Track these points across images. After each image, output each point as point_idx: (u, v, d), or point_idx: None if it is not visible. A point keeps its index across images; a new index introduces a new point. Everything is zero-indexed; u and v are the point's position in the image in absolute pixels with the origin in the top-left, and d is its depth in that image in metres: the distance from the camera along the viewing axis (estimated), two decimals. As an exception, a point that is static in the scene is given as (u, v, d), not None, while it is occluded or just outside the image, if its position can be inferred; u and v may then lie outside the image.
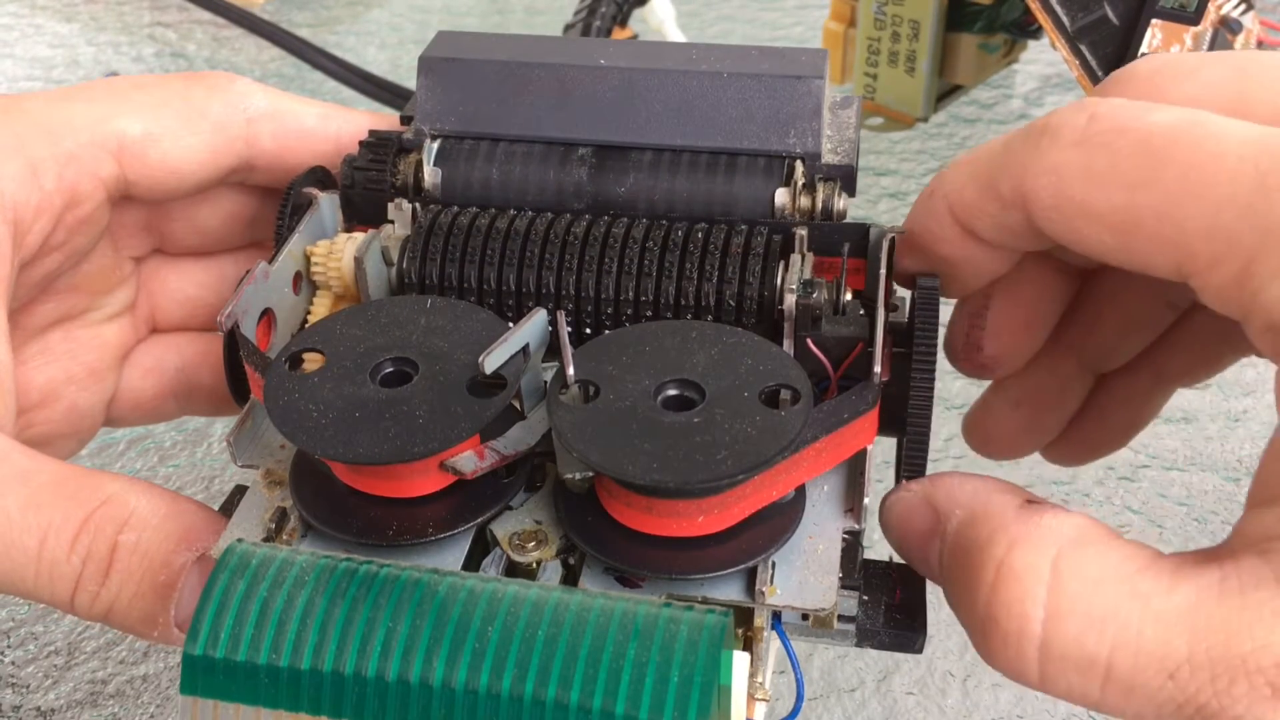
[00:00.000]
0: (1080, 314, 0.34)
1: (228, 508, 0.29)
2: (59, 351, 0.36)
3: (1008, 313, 0.33)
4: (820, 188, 0.32)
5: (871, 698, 0.41)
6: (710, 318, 0.30)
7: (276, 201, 0.35)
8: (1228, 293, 0.25)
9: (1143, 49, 0.53)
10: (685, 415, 0.26)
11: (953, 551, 0.26)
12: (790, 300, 0.29)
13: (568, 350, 0.27)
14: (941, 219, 0.30)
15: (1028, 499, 0.26)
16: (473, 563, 0.27)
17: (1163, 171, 0.25)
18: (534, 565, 0.27)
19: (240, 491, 0.29)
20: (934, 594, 0.37)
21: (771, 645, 0.29)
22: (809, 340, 0.29)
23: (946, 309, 0.32)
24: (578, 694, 0.22)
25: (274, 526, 0.28)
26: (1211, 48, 0.56)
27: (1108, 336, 0.34)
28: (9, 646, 0.43)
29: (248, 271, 0.31)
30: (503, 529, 0.28)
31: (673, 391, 0.27)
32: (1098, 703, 0.24)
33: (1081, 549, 0.25)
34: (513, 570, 0.28)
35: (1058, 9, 0.52)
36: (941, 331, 0.30)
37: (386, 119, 0.36)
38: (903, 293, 0.32)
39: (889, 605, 0.30)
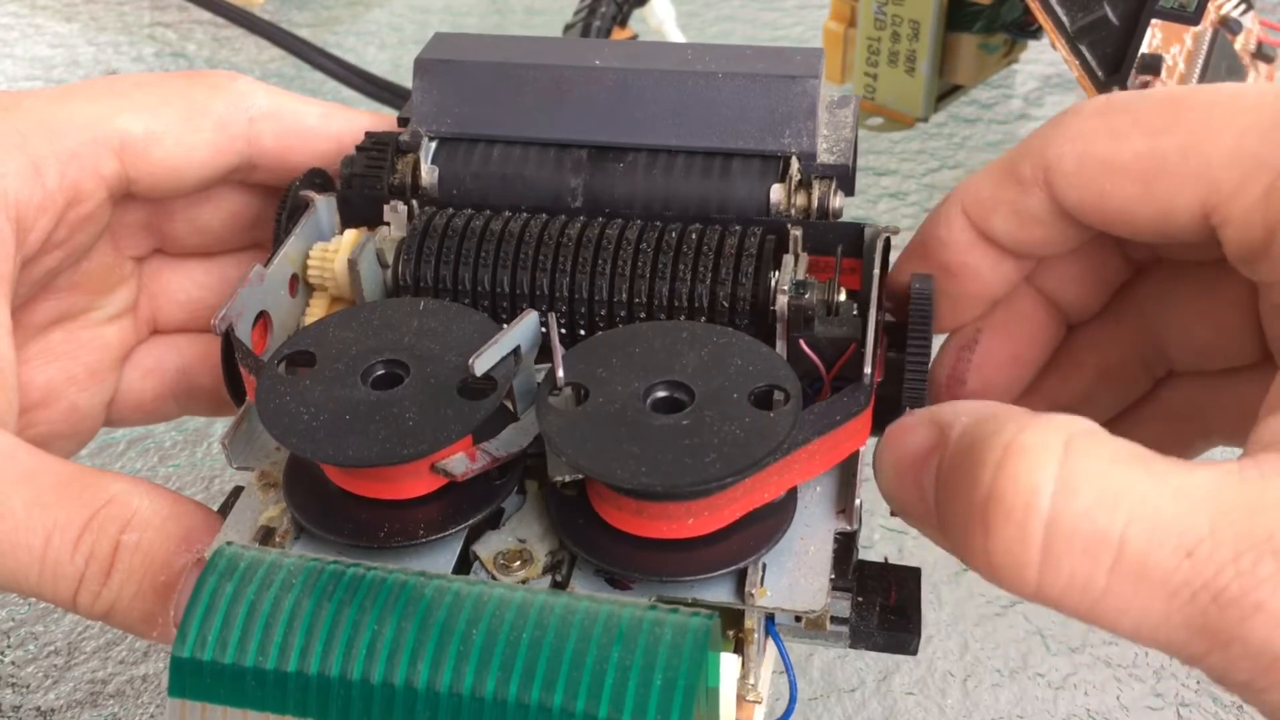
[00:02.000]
0: (1060, 365, 0.34)
1: (226, 509, 0.29)
2: (60, 351, 0.37)
3: (997, 345, 0.33)
4: (816, 185, 0.32)
5: (871, 698, 0.41)
6: (704, 319, 0.30)
7: (278, 202, 0.35)
8: (1253, 216, 0.25)
9: (1143, 49, 0.53)
10: (674, 417, 0.26)
11: (955, 452, 0.25)
12: (782, 301, 0.29)
13: (558, 353, 0.27)
14: (954, 222, 0.30)
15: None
16: (463, 565, 0.27)
17: (1185, 115, 0.26)
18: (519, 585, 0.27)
19: (238, 493, 0.30)
20: (930, 595, 0.37)
21: (766, 647, 0.29)
22: (801, 341, 0.29)
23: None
24: (561, 697, 0.22)
25: (262, 537, 0.28)
26: (1211, 48, 0.56)
27: (1083, 389, 0.34)
28: (9, 646, 0.43)
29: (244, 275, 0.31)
30: (486, 549, 0.28)
31: (662, 393, 0.27)
32: (1101, 595, 0.22)
33: (1095, 434, 0.23)
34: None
35: (1058, 9, 0.52)
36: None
37: (387, 119, 0.36)
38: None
39: (883, 607, 0.30)
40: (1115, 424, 0.34)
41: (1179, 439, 0.33)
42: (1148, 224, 0.27)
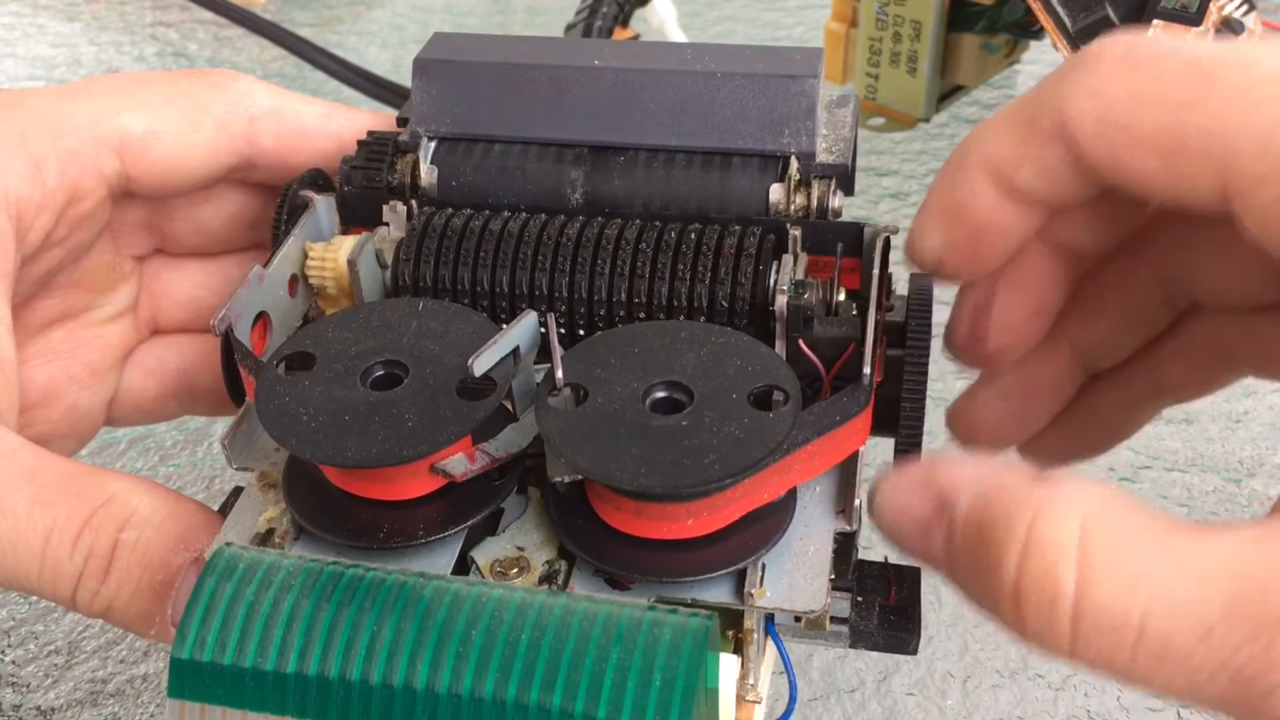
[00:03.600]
0: (1080, 305, 0.33)
1: (226, 509, 0.29)
2: (61, 350, 0.37)
3: (1015, 303, 0.32)
4: (815, 185, 0.32)
5: (871, 698, 0.41)
6: (703, 319, 0.30)
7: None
8: (1272, 213, 0.25)
9: (1144, 49, 0.52)
10: (673, 418, 0.26)
11: (966, 533, 0.25)
12: (782, 300, 0.29)
13: (557, 353, 0.27)
14: (977, 180, 0.29)
15: (1036, 473, 0.25)
16: (462, 566, 0.27)
17: (1212, 90, 0.25)
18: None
19: (238, 493, 0.30)
20: (930, 595, 0.36)
21: (766, 647, 0.29)
22: (801, 341, 0.29)
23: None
24: (560, 697, 0.22)
25: (261, 537, 0.28)
26: (1213, 48, 0.56)
27: (1106, 329, 0.34)
28: (9, 646, 0.43)
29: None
30: (484, 556, 0.28)
31: (661, 394, 0.27)
32: (1129, 670, 0.23)
33: (1108, 512, 0.24)
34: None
35: (1059, 10, 0.52)
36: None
37: (388, 119, 0.36)
38: (901, 290, 0.32)
39: (883, 606, 0.30)
40: (1140, 360, 0.34)
41: (1205, 373, 0.33)
42: (1165, 193, 0.27)
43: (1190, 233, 0.31)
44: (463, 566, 0.28)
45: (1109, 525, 0.24)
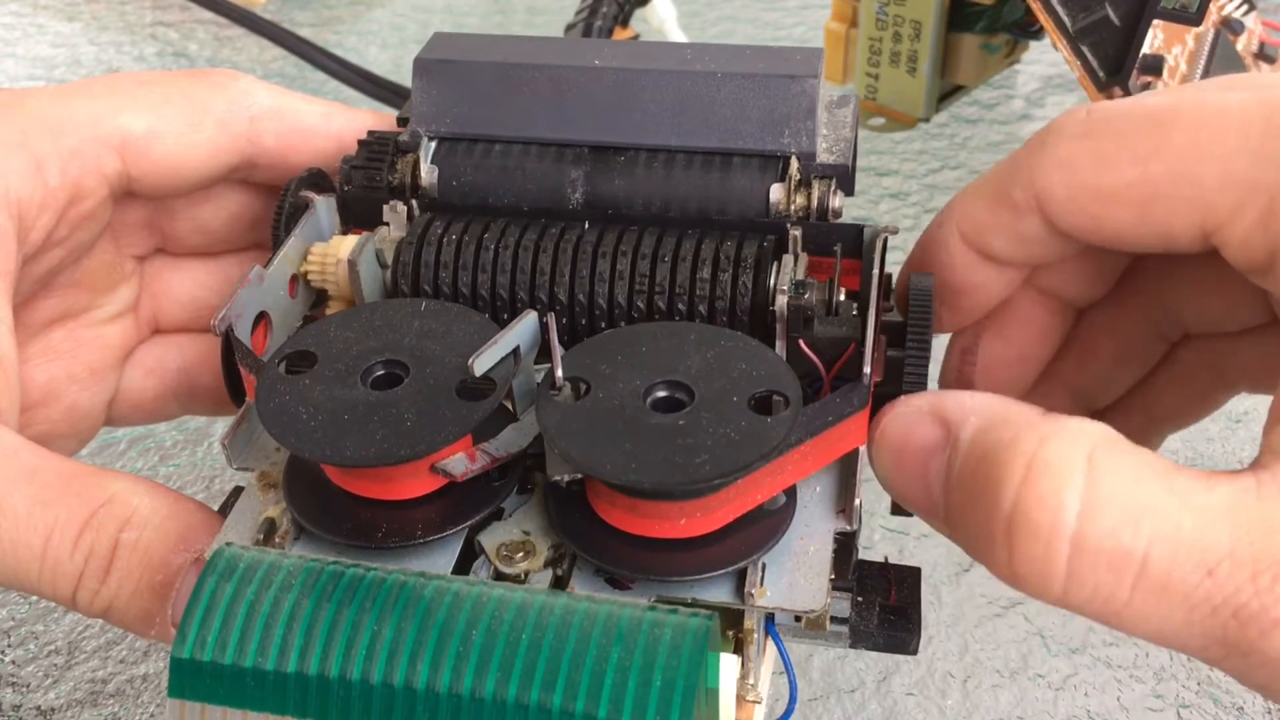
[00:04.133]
0: (1074, 349, 0.34)
1: (226, 509, 0.29)
2: (61, 350, 0.37)
3: (998, 349, 0.33)
4: (815, 185, 0.32)
5: (871, 698, 0.41)
6: (703, 320, 0.30)
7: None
8: (1253, 238, 0.25)
9: (1144, 49, 0.53)
10: (671, 417, 0.26)
11: (968, 458, 0.25)
12: (782, 301, 0.29)
13: (557, 353, 0.27)
14: (952, 246, 0.30)
15: (1044, 410, 0.25)
16: (463, 565, 0.27)
17: (1171, 137, 0.26)
18: (521, 576, 0.27)
19: (238, 493, 0.30)
20: (930, 595, 0.37)
21: (766, 647, 0.29)
22: (801, 341, 0.29)
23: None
24: (560, 697, 0.22)
25: (261, 537, 0.28)
26: (1213, 48, 0.56)
27: (1101, 370, 0.34)
28: (9, 646, 0.43)
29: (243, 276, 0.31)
30: (490, 539, 0.28)
31: (662, 393, 0.27)
32: (1124, 606, 0.23)
33: (1114, 447, 0.24)
34: (500, 581, 0.27)
35: (1059, 10, 0.52)
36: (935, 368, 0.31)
37: (389, 119, 0.36)
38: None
39: (883, 606, 0.30)
40: (1137, 394, 0.34)
41: (1200, 397, 0.34)
42: (1147, 243, 0.27)
43: (1174, 269, 0.32)
44: (468, 552, 0.28)
45: (1116, 458, 0.23)
